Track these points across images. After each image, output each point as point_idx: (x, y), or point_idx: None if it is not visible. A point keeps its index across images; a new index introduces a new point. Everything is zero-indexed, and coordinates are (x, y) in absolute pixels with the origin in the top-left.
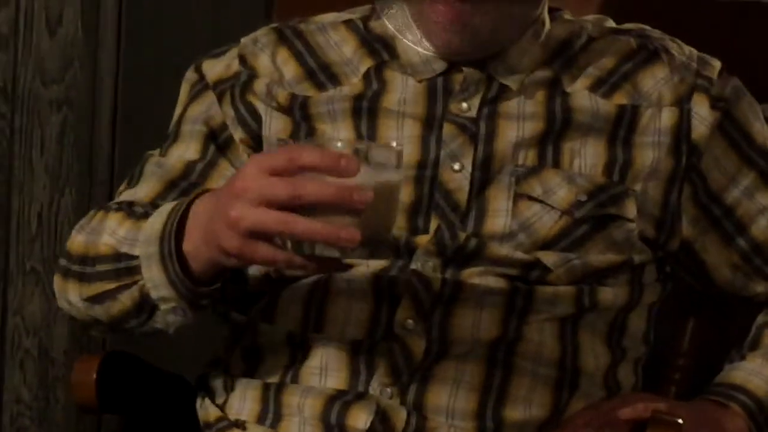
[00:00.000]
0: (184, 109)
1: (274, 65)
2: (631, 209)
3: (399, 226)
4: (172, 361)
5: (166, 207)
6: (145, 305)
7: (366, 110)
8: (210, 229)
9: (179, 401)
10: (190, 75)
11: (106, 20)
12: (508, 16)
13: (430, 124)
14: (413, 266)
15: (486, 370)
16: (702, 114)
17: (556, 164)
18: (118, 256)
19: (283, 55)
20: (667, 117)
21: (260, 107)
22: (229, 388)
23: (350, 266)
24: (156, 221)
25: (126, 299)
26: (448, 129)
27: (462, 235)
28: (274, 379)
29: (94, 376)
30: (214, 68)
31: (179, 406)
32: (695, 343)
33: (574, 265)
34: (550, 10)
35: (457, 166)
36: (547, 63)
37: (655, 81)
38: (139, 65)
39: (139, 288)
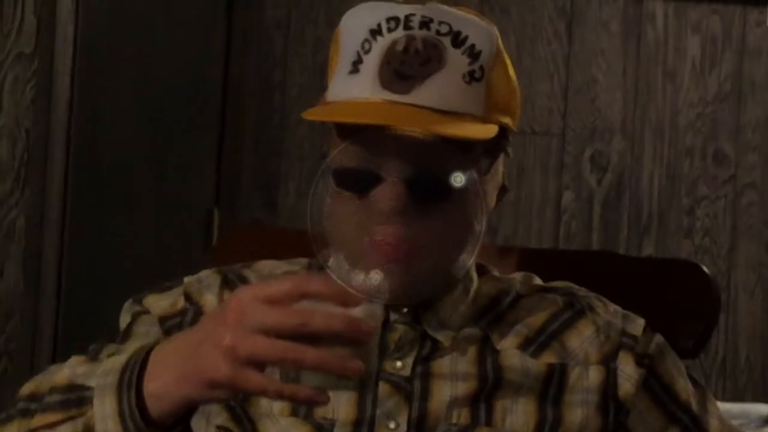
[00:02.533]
0: (136, 317)
1: (220, 304)
2: None
3: None
4: None
5: (128, 349)
6: None
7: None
8: (192, 360)
9: None
10: (129, 307)
11: (48, 273)
12: (447, 262)
13: (365, 382)
14: None
15: None
16: (628, 372)
17: (489, 423)
18: (71, 387)
19: (227, 297)
20: (594, 375)
21: None
22: None
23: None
24: (118, 358)
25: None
26: (383, 388)
27: None
28: None
29: None
30: (160, 303)
31: None
32: None
33: None
34: (478, 268)
35: (392, 425)
36: (476, 320)
37: (582, 340)
38: (79, 315)
39: (85, 421)
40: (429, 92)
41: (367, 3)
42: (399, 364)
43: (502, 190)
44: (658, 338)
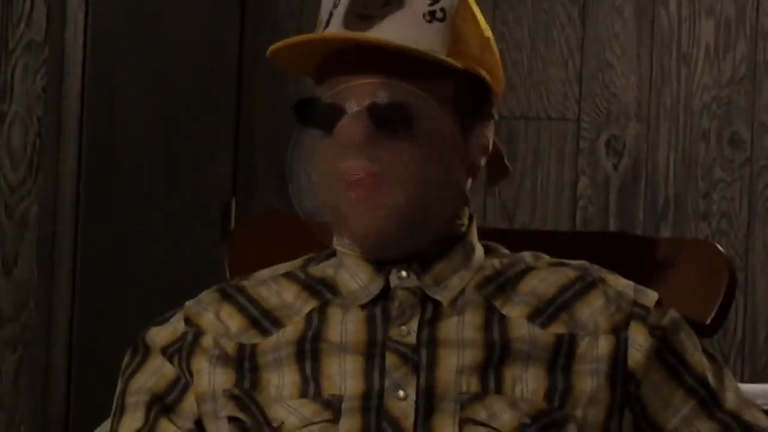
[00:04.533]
0: (127, 381)
1: (219, 321)
2: None
3: None
4: None
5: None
6: None
7: (309, 352)
8: None
9: None
10: (129, 357)
11: (62, 261)
12: (422, 202)
13: (372, 354)
14: None
15: None
16: (639, 342)
17: (499, 390)
18: None
19: (227, 310)
20: (604, 345)
21: (203, 366)
22: None
23: None
24: None
25: None
26: (390, 359)
27: None
28: None
29: None
30: (160, 334)
31: None
32: None
33: None
34: (486, 248)
35: (401, 394)
36: (482, 285)
37: (592, 310)
38: (94, 303)
39: None
40: (388, 28)
41: None
42: (404, 329)
43: (503, 169)
44: (672, 312)
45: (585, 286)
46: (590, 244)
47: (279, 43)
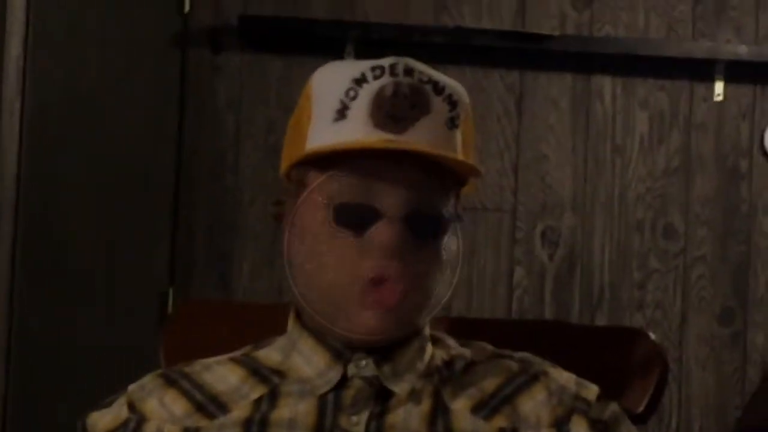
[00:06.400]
0: None
1: (162, 407)
2: None
3: None
4: None
5: None
6: None
7: None
8: None
9: None
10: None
11: None
12: (420, 306)
13: None
14: None
15: None
16: None
17: None
18: None
19: (170, 395)
20: None
21: None
22: None
23: None
24: None
25: None
26: None
27: None
28: None
29: None
30: (103, 419)
31: None
32: None
33: None
34: (433, 338)
35: None
36: (430, 380)
37: (534, 404)
38: (28, 393)
39: None
40: (421, 134)
41: (339, 62)
42: (354, 419)
43: None
44: (614, 406)
45: (528, 379)
46: (526, 333)
47: (326, 149)
